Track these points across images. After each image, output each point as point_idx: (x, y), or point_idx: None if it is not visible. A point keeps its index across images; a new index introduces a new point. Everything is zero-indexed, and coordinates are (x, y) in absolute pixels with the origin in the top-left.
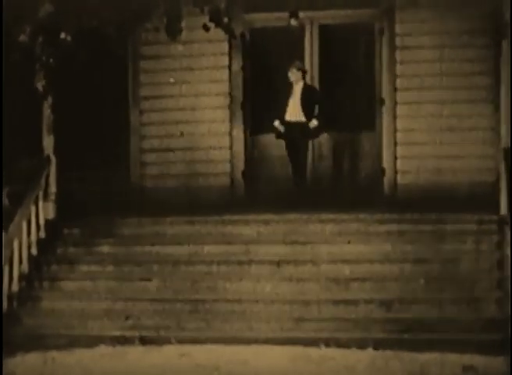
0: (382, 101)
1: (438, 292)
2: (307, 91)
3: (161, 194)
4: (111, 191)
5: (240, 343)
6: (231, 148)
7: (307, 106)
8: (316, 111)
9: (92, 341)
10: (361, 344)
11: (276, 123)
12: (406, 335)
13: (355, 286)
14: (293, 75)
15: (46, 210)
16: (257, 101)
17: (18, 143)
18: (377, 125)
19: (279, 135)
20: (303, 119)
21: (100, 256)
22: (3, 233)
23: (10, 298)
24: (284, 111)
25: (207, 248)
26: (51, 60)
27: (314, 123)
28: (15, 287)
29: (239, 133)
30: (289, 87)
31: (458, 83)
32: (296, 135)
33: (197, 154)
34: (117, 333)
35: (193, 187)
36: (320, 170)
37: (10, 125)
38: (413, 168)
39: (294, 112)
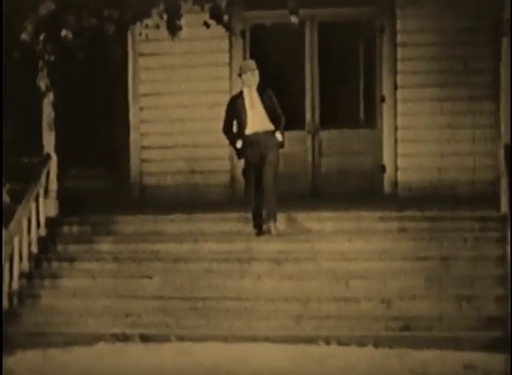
0: (382, 99)
1: (438, 290)
2: (264, 93)
3: (161, 191)
4: (111, 188)
5: (240, 341)
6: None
7: (272, 112)
8: (277, 120)
9: (92, 339)
10: (362, 342)
11: (239, 144)
12: (406, 333)
13: (355, 283)
14: (250, 78)
15: (46, 208)
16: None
17: (18, 140)
18: (377, 122)
19: (240, 154)
20: (271, 127)
21: (100, 254)
22: (4, 231)
23: (10, 295)
24: (244, 126)
25: (207, 246)
26: (53, 58)
27: (278, 137)
28: (15, 284)
29: None
30: (238, 97)
31: (459, 80)
32: (266, 148)
33: (197, 151)
34: (117, 330)
35: (194, 184)
36: (320, 168)
37: (11, 122)
38: (413, 165)
39: (260, 121)
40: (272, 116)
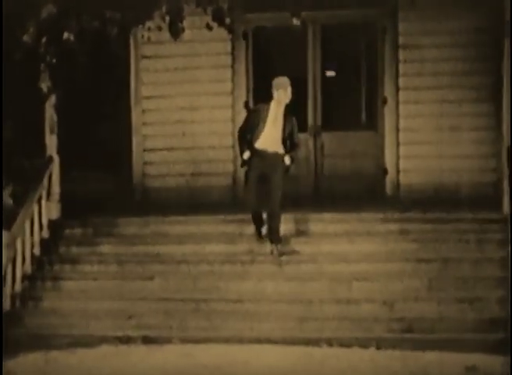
0: (384, 101)
1: (440, 291)
2: (288, 118)
3: (163, 193)
4: (113, 190)
5: (242, 343)
6: (233, 147)
7: (288, 136)
8: (291, 146)
9: (94, 341)
10: (364, 344)
11: (247, 155)
12: (408, 334)
13: (357, 285)
14: (282, 95)
15: (49, 210)
16: (260, 100)
17: (21, 142)
18: (379, 124)
19: (244, 163)
20: (281, 150)
21: (102, 256)
22: (6, 233)
23: (13, 297)
24: (256, 137)
25: (209, 248)
26: (54, 60)
27: (287, 161)
28: (17, 286)
29: None
30: (264, 108)
31: (460, 82)
32: (270, 169)
33: (199, 153)
34: (119, 332)
35: (196, 186)
36: (322, 169)
37: (13, 124)
38: (415, 167)
39: (272, 140)
40: (287, 141)
